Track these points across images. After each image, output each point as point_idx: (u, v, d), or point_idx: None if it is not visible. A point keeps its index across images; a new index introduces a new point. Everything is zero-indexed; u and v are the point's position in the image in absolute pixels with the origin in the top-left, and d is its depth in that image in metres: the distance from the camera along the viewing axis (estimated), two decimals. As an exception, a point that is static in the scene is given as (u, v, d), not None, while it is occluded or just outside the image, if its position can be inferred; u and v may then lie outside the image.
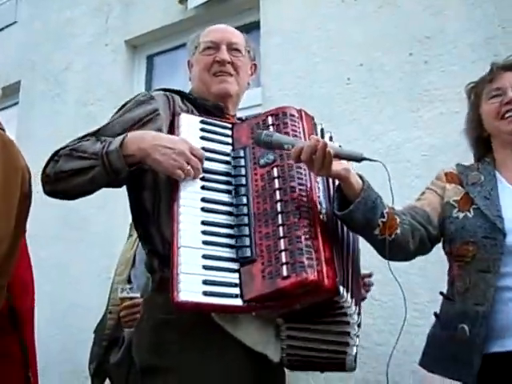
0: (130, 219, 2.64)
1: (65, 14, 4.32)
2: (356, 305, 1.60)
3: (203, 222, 1.50)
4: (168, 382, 1.53)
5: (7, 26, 4.74)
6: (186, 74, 2.00)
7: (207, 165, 1.58)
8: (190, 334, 1.53)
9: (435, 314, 1.83)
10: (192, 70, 1.92)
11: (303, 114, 1.71)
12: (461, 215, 1.74)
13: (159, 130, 1.65)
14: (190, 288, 1.38)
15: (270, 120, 1.65)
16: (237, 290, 1.43)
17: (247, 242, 1.48)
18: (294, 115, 1.67)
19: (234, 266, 1.47)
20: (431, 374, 1.76)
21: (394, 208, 1.65)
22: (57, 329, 3.63)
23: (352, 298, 1.56)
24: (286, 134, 1.60)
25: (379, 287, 2.50)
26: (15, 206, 1.60)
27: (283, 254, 1.42)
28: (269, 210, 1.50)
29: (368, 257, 2.46)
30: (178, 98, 1.77)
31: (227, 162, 1.63)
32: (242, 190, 1.57)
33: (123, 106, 1.74)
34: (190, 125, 1.65)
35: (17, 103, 4.51)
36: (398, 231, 1.61)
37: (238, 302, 1.42)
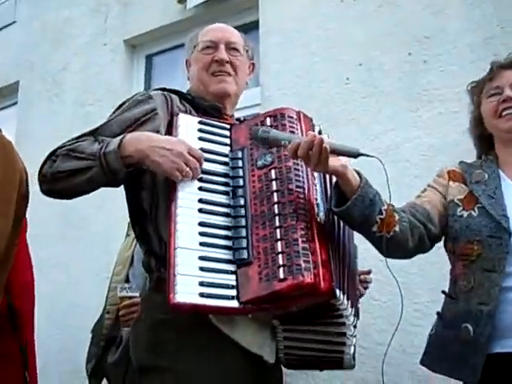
0: (128, 218, 2.65)
1: (63, 13, 4.32)
2: (352, 306, 1.60)
3: (200, 224, 1.49)
4: (165, 382, 1.53)
5: (6, 26, 4.74)
6: (185, 73, 1.99)
7: (205, 166, 1.58)
8: (188, 334, 1.53)
9: (438, 313, 1.82)
10: (190, 69, 1.91)
11: (301, 115, 1.70)
12: (465, 214, 1.73)
13: (157, 129, 1.65)
14: (186, 289, 1.38)
15: (268, 121, 1.64)
16: (233, 292, 1.43)
17: (244, 243, 1.48)
18: (292, 116, 1.66)
19: (231, 267, 1.47)
20: (434, 373, 1.76)
21: (394, 205, 1.64)
22: (56, 328, 3.63)
23: (348, 299, 1.56)
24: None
25: (379, 287, 2.51)
26: (13, 207, 1.60)
27: (280, 256, 1.42)
28: (266, 212, 1.50)
29: (368, 257, 2.47)
30: (176, 98, 1.76)
31: (225, 163, 1.63)
32: (240, 192, 1.57)
33: (121, 105, 1.73)
34: (188, 125, 1.65)
35: (15, 103, 4.52)
36: (397, 228, 1.60)
37: (235, 303, 1.42)
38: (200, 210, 1.52)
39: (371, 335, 2.55)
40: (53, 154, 1.61)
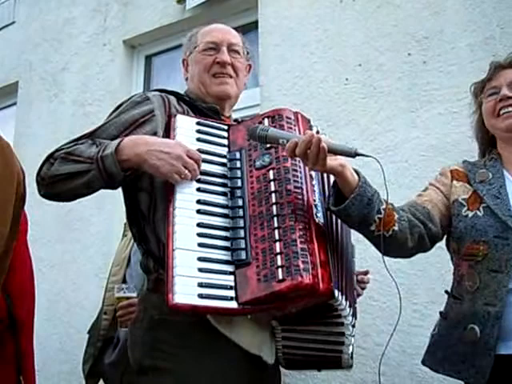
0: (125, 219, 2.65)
1: (63, 14, 4.32)
2: (350, 306, 1.60)
3: (199, 224, 1.50)
4: (163, 383, 1.54)
5: (5, 27, 4.74)
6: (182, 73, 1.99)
7: (203, 167, 1.58)
8: (186, 335, 1.53)
9: (441, 313, 1.81)
10: (189, 69, 1.91)
11: (299, 115, 1.70)
12: (470, 214, 1.72)
13: (155, 130, 1.65)
14: (185, 290, 1.38)
15: (266, 122, 1.64)
16: (232, 293, 1.43)
17: (242, 244, 1.49)
18: (290, 117, 1.66)
19: (229, 268, 1.47)
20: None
21: (393, 204, 1.64)
22: (55, 328, 3.63)
23: (346, 300, 1.56)
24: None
25: (378, 288, 2.51)
26: (11, 209, 1.60)
27: (278, 257, 1.42)
28: (264, 213, 1.50)
29: (367, 257, 2.48)
30: (173, 99, 1.76)
31: (223, 164, 1.63)
32: (238, 193, 1.57)
33: (118, 106, 1.73)
34: (186, 126, 1.64)
35: (15, 103, 4.51)
36: (396, 228, 1.60)
37: (233, 304, 1.42)
38: (198, 211, 1.52)
39: (370, 336, 2.55)
40: (50, 156, 1.61)
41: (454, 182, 1.81)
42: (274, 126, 1.61)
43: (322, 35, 3.05)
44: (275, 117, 1.65)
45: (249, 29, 3.48)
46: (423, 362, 1.81)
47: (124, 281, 2.39)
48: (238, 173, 1.60)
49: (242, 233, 1.50)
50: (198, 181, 1.56)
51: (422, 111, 2.68)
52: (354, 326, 1.65)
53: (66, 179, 1.56)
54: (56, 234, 3.84)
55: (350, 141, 2.76)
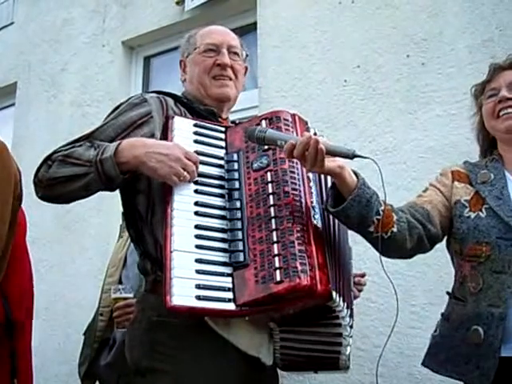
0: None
1: (62, 14, 4.32)
2: (348, 307, 1.60)
3: (196, 226, 1.50)
4: None
5: (4, 27, 4.73)
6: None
7: (201, 168, 1.58)
8: (184, 336, 1.53)
9: (442, 314, 1.81)
10: (187, 70, 1.90)
11: (297, 117, 1.71)
12: (473, 215, 1.72)
13: (152, 132, 1.65)
14: (183, 292, 1.38)
15: (263, 124, 1.64)
16: (230, 295, 1.43)
17: (240, 246, 1.49)
18: (287, 119, 1.66)
19: (227, 270, 1.47)
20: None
21: (392, 205, 1.64)
22: (53, 329, 3.63)
23: (344, 301, 1.56)
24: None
25: (376, 289, 2.51)
26: (10, 210, 1.61)
27: (276, 258, 1.42)
28: (262, 215, 1.50)
29: (365, 259, 2.48)
30: (171, 101, 1.76)
31: (220, 166, 1.63)
32: (236, 194, 1.57)
33: (116, 108, 1.73)
34: (184, 128, 1.64)
35: (13, 104, 4.51)
36: (394, 229, 1.60)
37: (231, 306, 1.42)
38: (196, 213, 1.52)
39: (369, 337, 2.55)
40: (48, 158, 1.60)
41: (456, 182, 1.81)
42: (272, 128, 1.61)
43: (320, 37, 3.06)
44: (273, 118, 1.65)
45: (247, 30, 3.48)
46: (424, 364, 1.80)
47: (120, 282, 2.39)
48: (236, 175, 1.60)
49: (239, 235, 1.50)
50: (196, 183, 1.56)
51: (420, 113, 2.68)
52: (351, 327, 1.65)
53: (64, 182, 1.56)
54: (55, 234, 3.83)
55: (349, 142, 2.76)
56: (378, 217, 1.54)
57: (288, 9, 3.21)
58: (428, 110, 2.66)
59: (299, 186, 1.55)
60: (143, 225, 1.66)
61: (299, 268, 1.40)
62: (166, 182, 1.54)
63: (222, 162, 1.63)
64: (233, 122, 1.90)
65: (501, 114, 1.77)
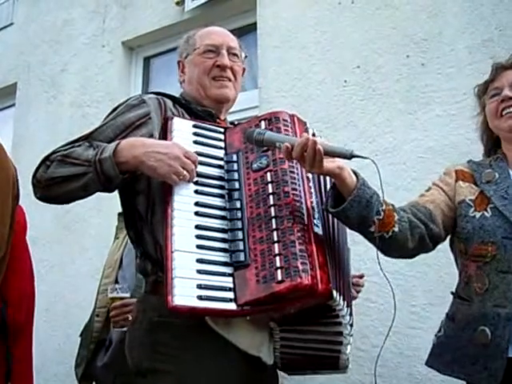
0: (117, 222, 2.66)
1: (61, 15, 4.32)
2: (348, 306, 1.61)
3: (197, 227, 1.50)
4: None
5: (4, 28, 4.74)
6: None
7: (200, 169, 1.58)
8: (185, 336, 1.53)
9: (447, 314, 1.80)
10: (185, 71, 1.90)
11: (295, 118, 1.71)
12: (478, 215, 1.71)
13: (151, 133, 1.65)
14: (184, 292, 1.38)
15: (262, 124, 1.65)
16: (231, 295, 1.43)
17: (241, 246, 1.49)
18: (286, 120, 1.67)
19: (228, 270, 1.47)
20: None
21: (394, 205, 1.64)
22: (53, 330, 3.63)
23: (344, 300, 1.57)
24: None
25: (376, 290, 2.51)
26: (10, 211, 1.60)
27: (277, 258, 1.42)
28: (262, 215, 1.50)
29: (365, 259, 2.48)
30: (169, 102, 1.76)
31: (220, 167, 1.63)
32: (236, 195, 1.57)
33: (115, 109, 1.73)
34: (183, 129, 1.64)
35: (13, 105, 4.51)
36: (396, 229, 1.59)
37: (232, 306, 1.42)
38: (196, 213, 1.52)
39: (368, 338, 2.55)
40: (47, 158, 1.60)
41: (460, 182, 1.80)
42: (271, 129, 1.61)
43: (320, 37, 3.06)
44: (272, 119, 1.65)
45: (247, 30, 3.49)
46: (428, 364, 1.79)
47: (116, 282, 2.39)
48: (236, 175, 1.60)
49: (240, 235, 1.50)
50: (196, 183, 1.56)
51: (420, 113, 2.68)
52: (351, 326, 1.66)
53: (62, 182, 1.55)
54: (55, 235, 3.84)
55: (349, 143, 2.76)
56: (379, 217, 1.54)
57: (288, 9, 3.21)
58: (428, 110, 2.66)
59: (299, 185, 1.56)
60: (143, 225, 1.66)
61: (300, 267, 1.40)
62: (166, 182, 1.54)
63: (221, 163, 1.63)
64: (232, 122, 1.90)
65: (504, 113, 1.77)
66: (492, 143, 1.89)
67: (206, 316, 1.48)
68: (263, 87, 3.20)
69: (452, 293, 1.82)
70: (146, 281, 1.69)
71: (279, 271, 1.40)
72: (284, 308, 1.48)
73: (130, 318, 2.14)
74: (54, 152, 1.61)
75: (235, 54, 1.87)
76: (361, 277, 1.99)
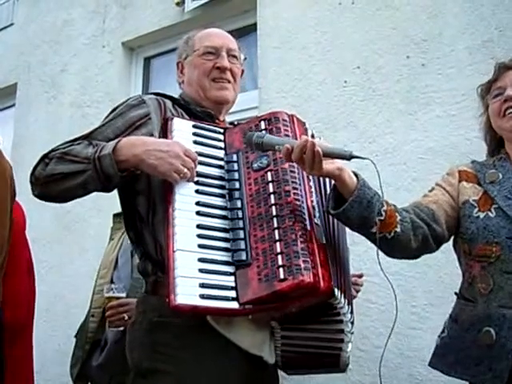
0: (112, 223, 2.66)
1: (61, 15, 4.32)
2: (349, 304, 1.61)
3: (198, 226, 1.50)
4: None
5: (4, 28, 4.74)
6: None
7: (201, 169, 1.58)
8: (185, 336, 1.53)
9: (450, 315, 1.79)
10: (184, 72, 1.90)
11: (295, 119, 1.72)
12: (482, 215, 1.70)
13: (151, 134, 1.65)
14: (186, 291, 1.39)
15: (262, 124, 1.65)
16: (233, 293, 1.44)
17: (242, 245, 1.49)
18: (286, 120, 1.67)
19: (230, 269, 1.47)
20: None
21: (396, 206, 1.64)
22: (53, 330, 3.63)
23: (345, 298, 1.57)
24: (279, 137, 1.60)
25: (377, 291, 2.51)
26: (8, 212, 1.60)
27: (279, 256, 1.43)
28: (264, 214, 1.51)
29: (365, 259, 2.48)
30: (169, 103, 1.76)
31: (220, 167, 1.63)
32: (236, 194, 1.57)
33: (114, 109, 1.73)
34: (183, 129, 1.65)
35: (13, 105, 4.51)
36: (398, 229, 1.59)
37: (235, 304, 1.43)
38: (197, 213, 1.52)
39: (369, 338, 2.55)
40: (46, 156, 1.60)
41: (464, 182, 1.79)
42: (271, 129, 1.62)
43: (320, 37, 3.06)
44: (271, 119, 1.66)
45: (248, 31, 3.49)
46: (431, 365, 1.78)
47: (112, 283, 2.39)
48: (236, 175, 1.61)
49: (241, 234, 1.51)
50: (197, 183, 1.56)
51: (420, 114, 2.68)
52: (352, 323, 1.66)
53: (61, 179, 1.55)
54: (54, 235, 3.84)
55: (349, 143, 2.76)
56: (381, 217, 1.54)
57: (288, 10, 3.21)
58: (428, 110, 2.66)
59: (300, 185, 1.56)
60: (143, 226, 1.66)
61: (302, 265, 1.40)
62: (166, 181, 1.54)
63: (221, 163, 1.64)
64: (231, 123, 1.91)
65: (507, 112, 1.76)
66: (495, 143, 1.88)
67: (208, 315, 1.48)
68: (263, 88, 3.20)
69: (456, 293, 1.81)
70: (145, 281, 1.69)
71: (281, 269, 1.40)
72: (286, 306, 1.48)
73: (126, 318, 2.16)
74: (52, 150, 1.61)
75: (234, 56, 1.87)
76: (360, 276, 1.99)
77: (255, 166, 1.59)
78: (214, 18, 3.43)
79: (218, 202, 1.57)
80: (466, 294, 1.75)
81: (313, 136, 1.75)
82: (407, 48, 2.78)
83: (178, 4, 3.65)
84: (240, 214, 1.54)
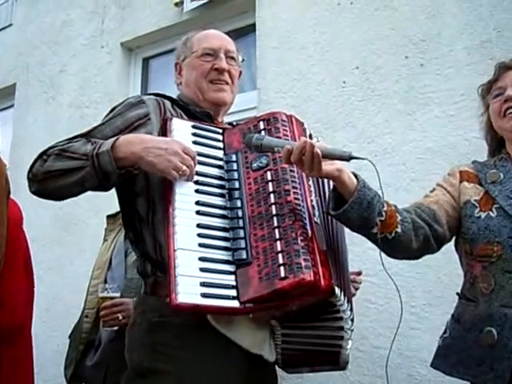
0: (106, 224, 2.67)
1: (60, 16, 4.32)
2: (348, 301, 1.62)
3: (199, 225, 1.50)
4: None
5: (3, 29, 4.73)
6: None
7: (200, 168, 1.59)
8: (185, 336, 1.53)
9: (452, 315, 1.78)
10: (183, 73, 1.90)
11: (293, 119, 1.72)
12: (483, 215, 1.70)
13: (150, 133, 1.65)
14: (188, 290, 1.39)
15: (261, 125, 1.66)
16: (234, 292, 1.44)
17: (243, 244, 1.50)
18: (284, 120, 1.68)
19: (230, 268, 1.48)
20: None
21: (396, 206, 1.64)
22: (52, 331, 3.62)
23: (345, 295, 1.58)
24: (278, 138, 1.60)
25: (376, 291, 2.51)
26: (5, 209, 1.60)
27: (280, 255, 1.43)
28: (264, 213, 1.51)
29: (365, 260, 2.48)
30: (168, 103, 1.76)
31: (220, 167, 1.64)
32: (236, 194, 1.58)
33: (113, 108, 1.73)
34: (182, 129, 1.65)
35: (12, 105, 4.51)
36: (398, 229, 1.59)
37: (235, 303, 1.43)
38: (197, 212, 1.53)
39: (368, 339, 2.55)
40: (44, 153, 1.60)
41: (465, 183, 1.79)
42: (270, 129, 1.62)
43: (319, 38, 3.06)
44: (270, 119, 1.66)
45: (246, 31, 3.49)
46: (433, 366, 1.78)
47: (105, 283, 2.39)
48: (235, 174, 1.61)
49: (241, 233, 1.51)
50: (196, 182, 1.57)
51: (419, 114, 2.68)
52: (352, 321, 1.67)
53: (59, 176, 1.55)
54: (53, 236, 3.83)
55: (348, 143, 2.76)
56: (381, 218, 1.54)
57: (287, 10, 3.21)
58: (427, 110, 2.66)
59: (299, 184, 1.57)
60: (143, 225, 1.66)
61: (303, 264, 1.41)
62: (166, 180, 1.54)
63: (221, 163, 1.64)
64: (230, 123, 1.91)
65: (507, 113, 1.76)
66: (496, 143, 1.88)
67: (209, 314, 1.49)
68: (262, 88, 3.20)
69: (457, 294, 1.81)
70: (144, 282, 1.69)
71: (282, 268, 1.41)
72: (286, 305, 1.49)
73: (120, 318, 2.17)
74: (51, 147, 1.60)
75: (232, 58, 1.87)
76: (359, 274, 2.00)
77: (254, 165, 1.60)
78: (212, 19, 3.43)
79: (218, 201, 1.58)
80: (467, 294, 1.74)
81: (310, 136, 1.75)
82: (406, 48, 2.78)
83: (176, 5, 3.65)
84: (240, 213, 1.54)
